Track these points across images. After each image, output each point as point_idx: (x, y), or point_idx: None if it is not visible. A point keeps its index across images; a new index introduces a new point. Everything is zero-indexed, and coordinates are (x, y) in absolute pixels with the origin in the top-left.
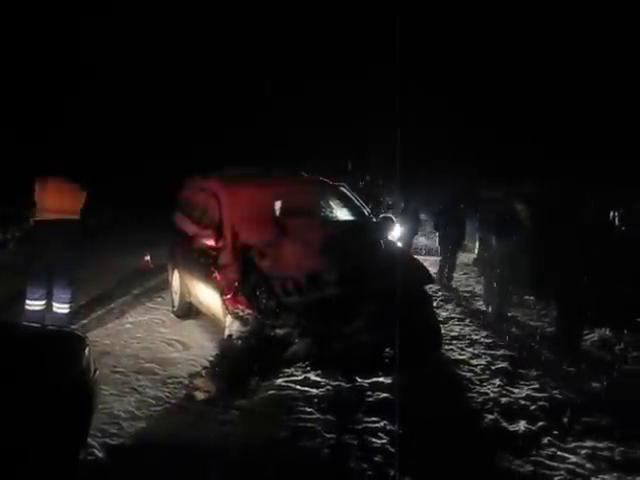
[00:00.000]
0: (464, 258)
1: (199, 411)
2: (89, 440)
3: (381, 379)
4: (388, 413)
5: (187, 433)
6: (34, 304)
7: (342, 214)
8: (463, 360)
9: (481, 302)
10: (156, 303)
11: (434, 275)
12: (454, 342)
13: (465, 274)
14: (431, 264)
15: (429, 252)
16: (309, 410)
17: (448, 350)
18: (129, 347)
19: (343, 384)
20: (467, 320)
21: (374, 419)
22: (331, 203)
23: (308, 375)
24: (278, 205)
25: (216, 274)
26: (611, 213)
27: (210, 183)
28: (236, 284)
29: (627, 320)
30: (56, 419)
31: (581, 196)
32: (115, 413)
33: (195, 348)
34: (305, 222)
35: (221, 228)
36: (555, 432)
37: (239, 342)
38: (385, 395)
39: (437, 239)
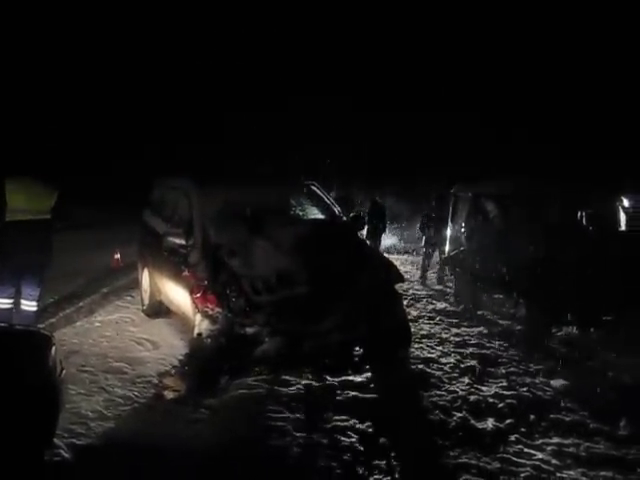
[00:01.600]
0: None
1: (168, 410)
2: (55, 440)
3: (351, 377)
4: (357, 411)
5: (156, 432)
6: (2, 302)
7: (313, 213)
8: (432, 358)
9: (451, 300)
10: (126, 302)
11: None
12: (424, 340)
13: (434, 273)
14: (402, 263)
15: (399, 251)
16: (279, 409)
17: (418, 348)
18: (98, 346)
19: (313, 383)
20: (437, 318)
21: (344, 417)
22: (302, 202)
23: (278, 374)
24: (249, 204)
25: (186, 273)
26: (579, 213)
27: (181, 182)
28: (206, 283)
29: (593, 318)
30: (19, 419)
31: (549, 196)
32: (83, 413)
33: (165, 347)
34: (275, 221)
35: (191, 227)
36: (522, 429)
37: (209, 341)
38: (355, 393)
39: (422, 239)
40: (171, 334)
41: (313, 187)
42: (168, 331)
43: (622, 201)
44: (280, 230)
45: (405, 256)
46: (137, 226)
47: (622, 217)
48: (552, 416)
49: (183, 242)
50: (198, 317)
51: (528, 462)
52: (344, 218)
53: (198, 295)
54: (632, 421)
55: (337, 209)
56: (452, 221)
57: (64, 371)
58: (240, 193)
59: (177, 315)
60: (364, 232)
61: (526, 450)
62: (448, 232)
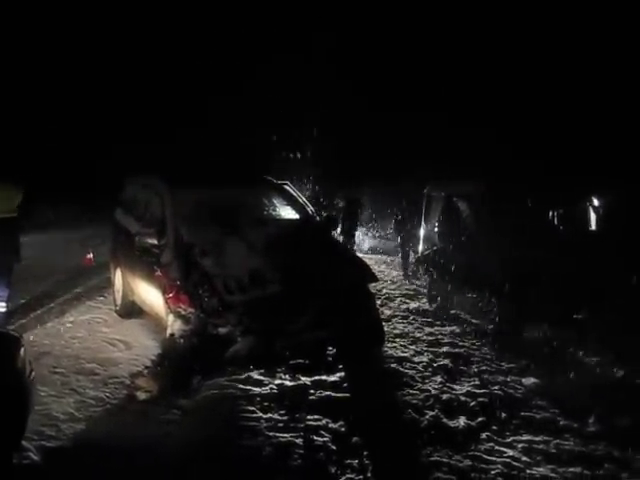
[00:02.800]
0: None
1: (140, 411)
2: (24, 443)
3: (324, 377)
4: (330, 411)
5: (128, 434)
6: None
7: (286, 212)
8: (406, 357)
9: (425, 300)
10: (98, 302)
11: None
12: (397, 340)
13: (409, 272)
14: (376, 262)
15: (374, 251)
16: (251, 409)
17: (391, 348)
18: (69, 347)
19: (286, 382)
20: (411, 318)
21: (317, 417)
22: (275, 201)
23: (251, 374)
24: (221, 203)
25: (158, 272)
26: (550, 213)
27: (153, 181)
28: (178, 283)
29: (565, 317)
30: None
31: (520, 196)
32: (53, 415)
33: (137, 347)
34: (248, 220)
35: (163, 226)
36: (494, 427)
37: (181, 341)
38: (328, 393)
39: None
40: (144, 334)
41: (287, 187)
42: (141, 331)
43: (592, 201)
44: (253, 230)
45: (379, 256)
46: (110, 225)
47: (592, 217)
48: (523, 414)
49: (155, 242)
50: (170, 317)
51: (499, 459)
52: (317, 218)
53: (170, 295)
54: (601, 418)
55: (310, 209)
56: (425, 221)
57: (34, 373)
58: (213, 192)
59: (150, 315)
60: (338, 231)
61: (497, 448)
62: (421, 232)
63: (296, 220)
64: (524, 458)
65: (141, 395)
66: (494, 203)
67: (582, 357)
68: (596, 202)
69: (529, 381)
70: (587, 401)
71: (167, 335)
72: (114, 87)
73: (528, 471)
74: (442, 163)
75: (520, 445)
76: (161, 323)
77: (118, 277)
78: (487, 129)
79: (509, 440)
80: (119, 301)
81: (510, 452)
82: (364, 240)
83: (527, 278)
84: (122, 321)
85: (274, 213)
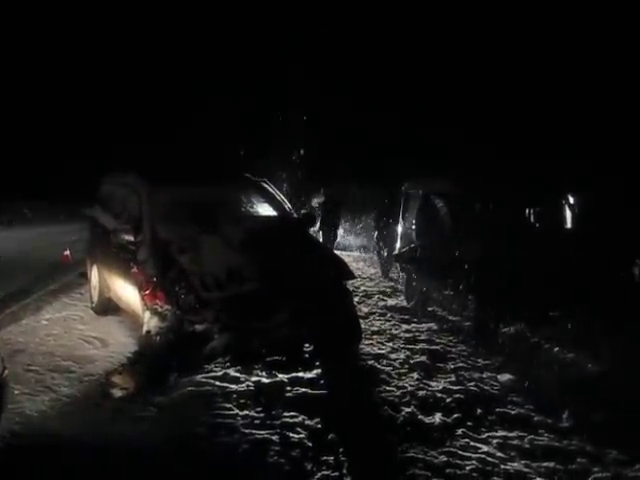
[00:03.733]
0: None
1: (116, 408)
2: None
3: (301, 374)
4: (307, 407)
5: (102, 431)
6: None
7: (263, 210)
8: (382, 354)
9: (402, 297)
10: (74, 299)
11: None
12: (374, 337)
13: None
14: (355, 259)
15: (353, 248)
16: (228, 406)
17: (368, 345)
18: (44, 345)
19: (263, 379)
20: (388, 315)
21: (293, 414)
22: (253, 199)
23: (227, 371)
24: (199, 200)
25: (135, 269)
26: (527, 211)
27: (130, 178)
28: (155, 279)
29: (541, 314)
30: None
31: (497, 194)
32: (27, 413)
33: (113, 345)
34: (226, 217)
35: (140, 223)
36: (469, 423)
37: (158, 338)
38: (304, 390)
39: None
40: (120, 332)
41: (264, 184)
42: (117, 329)
43: (568, 199)
44: (230, 227)
45: (358, 253)
46: (87, 221)
47: (568, 214)
48: (498, 410)
49: (132, 238)
50: (147, 314)
51: (474, 455)
52: (295, 215)
53: (147, 292)
54: (574, 413)
55: (288, 206)
56: (403, 218)
57: (7, 371)
58: (190, 189)
59: (126, 312)
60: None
61: (472, 444)
62: (399, 229)
63: (274, 217)
64: (499, 454)
65: (117, 392)
66: (471, 201)
67: (557, 354)
68: (572, 200)
69: (505, 378)
70: (561, 397)
71: (143, 332)
72: (94, 86)
73: (502, 466)
74: (420, 161)
75: (495, 441)
76: (138, 320)
77: (95, 274)
78: (465, 128)
79: (484, 436)
80: (95, 298)
81: (485, 448)
82: (344, 237)
83: (504, 275)
84: (98, 318)
85: (252, 210)
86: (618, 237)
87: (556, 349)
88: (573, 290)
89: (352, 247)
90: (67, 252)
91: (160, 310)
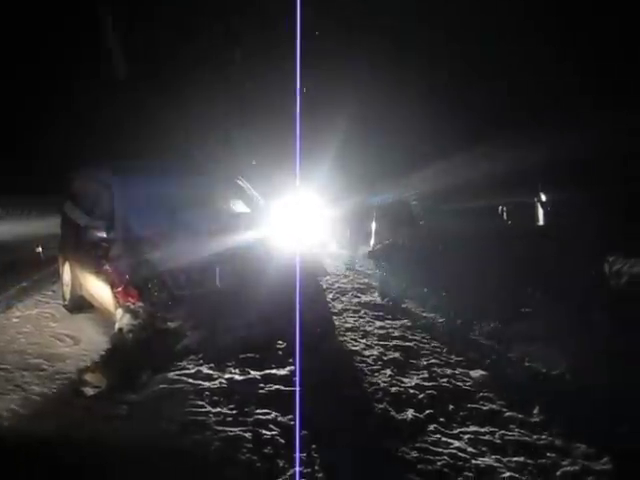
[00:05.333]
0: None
1: (87, 407)
2: None
3: (274, 371)
4: (280, 405)
5: (74, 430)
6: None
7: (237, 206)
8: (356, 351)
9: (376, 294)
10: (46, 296)
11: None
12: (348, 334)
13: (361, 266)
14: (329, 256)
15: (328, 245)
16: (200, 403)
17: (342, 342)
18: (15, 343)
19: (236, 377)
20: (362, 312)
21: (266, 411)
22: (227, 195)
23: (200, 368)
24: (172, 196)
25: (107, 266)
26: (499, 208)
27: (102, 173)
28: (127, 277)
29: (513, 311)
30: None
31: (470, 193)
32: None
33: (85, 342)
34: (199, 214)
35: (112, 219)
36: (441, 419)
37: (130, 336)
38: (277, 387)
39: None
40: (93, 329)
41: (238, 180)
42: (90, 326)
43: (540, 196)
44: (204, 223)
45: (332, 249)
46: (59, 218)
47: (540, 212)
48: (470, 406)
49: (104, 235)
50: (119, 312)
51: (445, 451)
52: (269, 211)
53: (119, 289)
54: (545, 408)
55: (262, 202)
56: (377, 214)
57: None
58: (163, 186)
59: (99, 310)
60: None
61: (443, 439)
62: (373, 226)
63: (247, 213)
64: (470, 449)
65: (88, 391)
66: (445, 198)
67: (529, 349)
68: (543, 198)
69: (477, 373)
70: (532, 392)
71: (116, 329)
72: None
73: (473, 461)
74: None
75: (466, 436)
76: (110, 318)
77: (67, 271)
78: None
79: (456, 431)
80: (68, 295)
81: (456, 443)
82: (319, 234)
83: (477, 272)
84: (71, 316)
85: (225, 206)
86: (589, 235)
87: (528, 345)
88: (545, 287)
89: (327, 243)
90: (39, 249)
91: (133, 307)
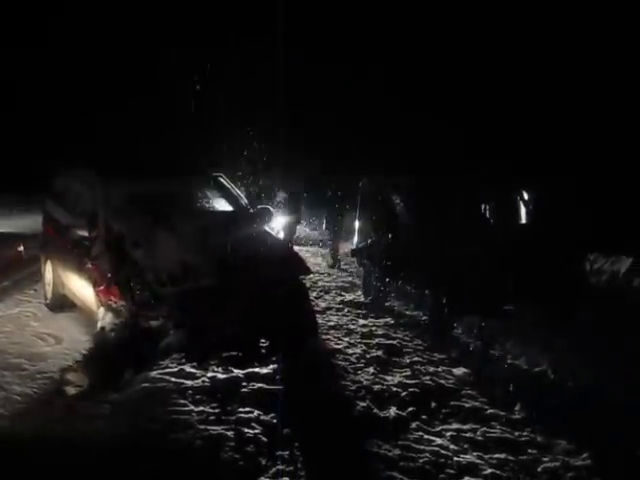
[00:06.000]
0: (345, 248)
1: (69, 406)
2: None
3: (256, 369)
4: (262, 403)
5: (55, 429)
6: None
7: (219, 204)
8: (339, 349)
9: (360, 292)
10: (28, 295)
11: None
12: (331, 332)
13: (346, 264)
14: (313, 254)
15: (313, 243)
16: (183, 402)
17: (325, 340)
18: None
19: (218, 375)
20: (345, 310)
21: (248, 409)
22: (209, 193)
23: (183, 367)
24: (154, 195)
25: (89, 265)
26: (482, 206)
27: (84, 172)
28: (109, 275)
29: (495, 308)
30: None
31: (453, 190)
32: None
33: (67, 341)
34: (181, 212)
35: (94, 218)
36: (423, 416)
37: (112, 334)
38: (260, 385)
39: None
40: (75, 328)
41: (220, 179)
42: (72, 325)
43: (522, 194)
44: (186, 221)
45: (316, 248)
46: (41, 217)
47: (522, 210)
48: (452, 403)
49: (86, 234)
50: (101, 310)
51: (427, 448)
52: (251, 210)
53: (101, 288)
54: (526, 405)
55: (244, 201)
56: (360, 213)
57: None
58: (145, 184)
59: (81, 309)
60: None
61: (426, 437)
62: (356, 224)
63: (230, 212)
64: (452, 446)
65: (70, 390)
66: (427, 196)
67: (511, 347)
68: (526, 195)
69: (459, 371)
70: (514, 389)
71: (98, 328)
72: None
73: (455, 458)
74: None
75: (449, 433)
76: (92, 316)
77: (49, 270)
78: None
79: (438, 429)
80: (50, 294)
81: (439, 440)
82: (302, 233)
83: (459, 270)
84: (53, 315)
85: (208, 205)
86: (570, 233)
87: (510, 342)
88: (526, 285)
89: (311, 242)
90: (21, 248)
91: (115, 306)
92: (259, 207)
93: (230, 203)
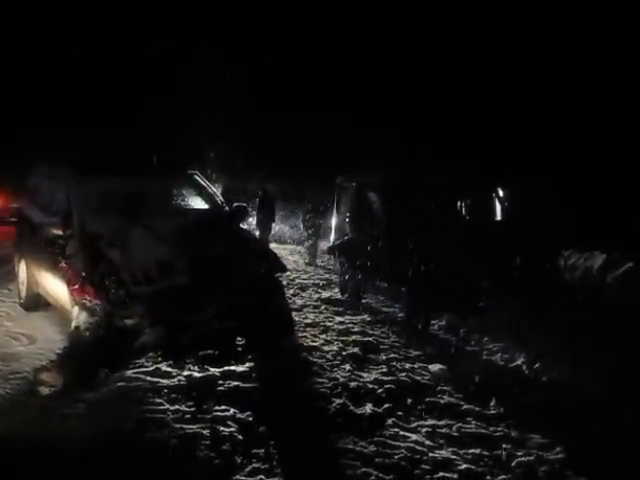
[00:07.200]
0: (323, 246)
1: (43, 406)
2: None
3: (233, 368)
4: (238, 401)
5: (29, 430)
6: None
7: (195, 202)
8: (315, 347)
9: (337, 290)
10: (2, 295)
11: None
12: (308, 329)
13: (323, 262)
14: (290, 252)
15: (288, 240)
16: (159, 401)
17: (302, 337)
18: None
19: (194, 374)
20: (322, 307)
21: (224, 407)
22: (184, 191)
23: (159, 366)
24: (129, 193)
25: (63, 264)
26: (458, 203)
27: (59, 169)
28: (84, 274)
29: (470, 305)
30: None
31: (428, 187)
32: None
33: (42, 341)
34: (156, 210)
35: (69, 216)
36: (399, 413)
37: (87, 333)
38: (236, 383)
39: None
40: (49, 327)
41: (196, 176)
42: (46, 325)
43: (497, 191)
44: (161, 220)
45: (293, 246)
46: (15, 215)
47: (498, 207)
48: (428, 399)
49: (60, 232)
50: (76, 309)
51: (403, 444)
52: (227, 208)
53: (76, 287)
54: (501, 400)
55: (219, 199)
56: (337, 211)
57: None
58: (120, 182)
59: (55, 308)
60: (254, 222)
61: (402, 433)
62: (333, 222)
63: (205, 210)
64: (427, 442)
65: (44, 390)
66: (404, 194)
67: (486, 343)
68: (501, 193)
69: (435, 367)
70: (489, 384)
71: (72, 327)
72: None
73: (430, 454)
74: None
75: (424, 429)
76: (67, 316)
77: (22, 269)
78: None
79: (414, 425)
80: (23, 294)
81: (414, 437)
82: (279, 231)
83: (435, 267)
84: (27, 314)
85: (183, 203)
86: (544, 230)
87: (485, 338)
88: (501, 281)
89: (288, 240)
90: None
91: (89, 305)
92: (235, 205)
93: (205, 201)
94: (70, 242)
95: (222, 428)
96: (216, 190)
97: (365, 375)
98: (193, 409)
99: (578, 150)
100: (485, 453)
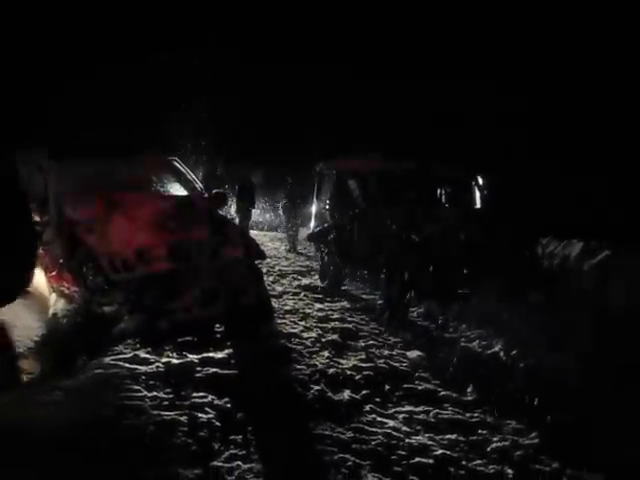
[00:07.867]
0: (303, 233)
1: (20, 394)
2: None
3: (211, 354)
4: (217, 388)
5: (7, 418)
6: None
7: (174, 189)
8: (295, 333)
9: (316, 276)
10: None
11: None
12: (287, 316)
13: (304, 249)
14: (271, 239)
15: (271, 228)
16: (136, 388)
17: (281, 324)
18: None
19: (173, 360)
20: (302, 294)
21: (202, 394)
22: (162, 177)
23: (137, 353)
24: (107, 179)
25: (40, 250)
26: (438, 191)
27: (34, 155)
28: (61, 261)
29: (449, 292)
30: None
31: (409, 175)
32: None
33: (19, 328)
34: (135, 196)
35: (46, 202)
36: (377, 399)
37: (65, 321)
38: (215, 370)
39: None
40: (26, 315)
41: (175, 163)
42: (23, 312)
43: (477, 180)
44: (140, 206)
45: (274, 233)
46: None
47: (477, 195)
48: (406, 386)
49: (37, 219)
50: (53, 297)
51: (380, 430)
52: (206, 195)
53: (53, 274)
54: (477, 387)
55: (199, 185)
56: (317, 198)
57: None
58: (99, 168)
59: (33, 295)
60: (233, 209)
61: (379, 419)
62: (313, 209)
63: (184, 197)
64: (404, 428)
65: (22, 378)
66: (384, 181)
67: (464, 330)
68: (480, 181)
69: (414, 354)
70: (466, 371)
71: (50, 315)
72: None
73: (407, 440)
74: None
75: (401, 416)
76: (44, 303)
77: None
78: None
79: (391, 411)
80: None
81: (391, 423)
82: (258, 217)
83: (414, 254)
84: None
85: (162, 189)
86: (523, 217)
87: (463, 326)
88: (480, 268)
89: (268, 227)
90: None
91: (67, 292)
92: (214, 192)
93: (185, 187)
94: (47, 229)
95: (200, 415)
96: (195, 177)
97: (344, 362)
98: (171, 396)
99: (559, 139)
100: (461, 439)
